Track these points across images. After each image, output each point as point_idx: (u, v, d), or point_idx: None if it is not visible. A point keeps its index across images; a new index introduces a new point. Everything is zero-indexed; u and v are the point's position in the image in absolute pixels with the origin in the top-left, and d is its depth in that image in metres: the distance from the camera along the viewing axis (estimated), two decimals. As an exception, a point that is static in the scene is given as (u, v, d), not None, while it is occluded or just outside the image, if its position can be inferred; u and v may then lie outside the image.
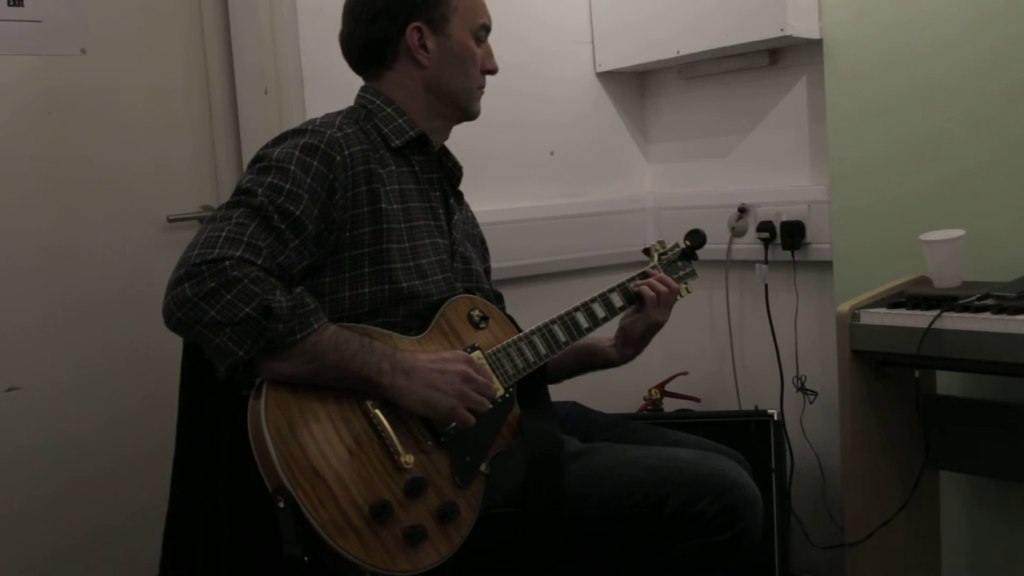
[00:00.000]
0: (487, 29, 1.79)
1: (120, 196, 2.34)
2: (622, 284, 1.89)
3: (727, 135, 2.81)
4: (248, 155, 2.43)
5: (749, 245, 2.68)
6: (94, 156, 2.31)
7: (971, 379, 2.23)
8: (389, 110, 1.73)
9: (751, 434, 2.33)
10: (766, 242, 2.64)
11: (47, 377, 2.25)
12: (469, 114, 1.82)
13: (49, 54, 2.25)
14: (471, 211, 1.94)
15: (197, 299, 1.40)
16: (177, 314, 1.42)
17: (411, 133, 1.72)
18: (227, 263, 1.42)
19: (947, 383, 2.25)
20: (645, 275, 1.92)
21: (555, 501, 1.59)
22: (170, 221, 2.40)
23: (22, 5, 2.20)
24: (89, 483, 2.29)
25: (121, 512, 2.31)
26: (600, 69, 2.91)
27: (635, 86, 3.01)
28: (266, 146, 1.62)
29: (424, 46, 1.72)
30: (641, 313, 1.88)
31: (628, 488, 1.59)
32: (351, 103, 1.79)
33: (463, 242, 1.82)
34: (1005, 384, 2.16)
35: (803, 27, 2.44)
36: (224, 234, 1.45)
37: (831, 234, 2.50)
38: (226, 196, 2.41)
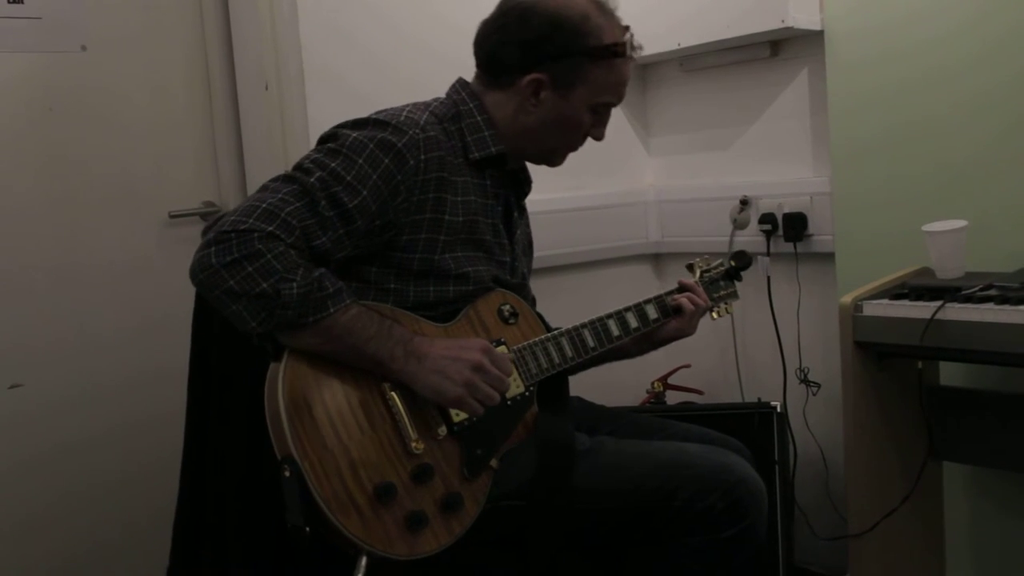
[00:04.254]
0: (612, 106, 1.75)
1: (121, 192, 2.34)
2: (659, 297, 1.89)
3: (728, 127, 2.81)
4: (249, 150, 2.45)
5: (751, 237, 2.68)
6: (95, 152, 2.31)
7: (974, 370, 2.23)
8: (479, 119, 1.69)
9: (754, 426, 2.33)
10: (768, 234, 2.64)
11: (51, 377, 2.25)
12: (549, 164, 1.81)
13: (49, 51, 2.25)
14: (527, 216, 1.93)
15: (219, 266, 1.41)
16: (200, 275, 1.43)
17: (492, 150, 1.68)
18: (255, 235, 1.42)
19: (950, 374, 2.25)
20: (682, 288, 1.92)
21: (563, 496, 1.59)
22: (172, 217, 2.40)
23: (22, 2, 2.20)
24: (93, 492, 2.30)
25: (127, 522, 2.31)
26: (601, 62, 2.90)
27: (636, 79, 3.00)
28: (344, 125, 1.59)
29: (537, 95, 1.68)
30: (674, 323, 1.89)
31: (637, 483, 1.60)
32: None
33: (521, 258, 1.82)
34: (1008, 374, 2.16)
35: (804, 18, 2.44)
36: (264, 206, 1.45)
37: (833, 226, 2.49)
38: (228, 192, 2.46)
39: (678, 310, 1.89)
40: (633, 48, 1.73)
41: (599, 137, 1.78)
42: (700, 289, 1.94)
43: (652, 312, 1.87)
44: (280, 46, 2.34)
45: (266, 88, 2.35)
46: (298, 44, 2.35)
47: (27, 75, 2.22)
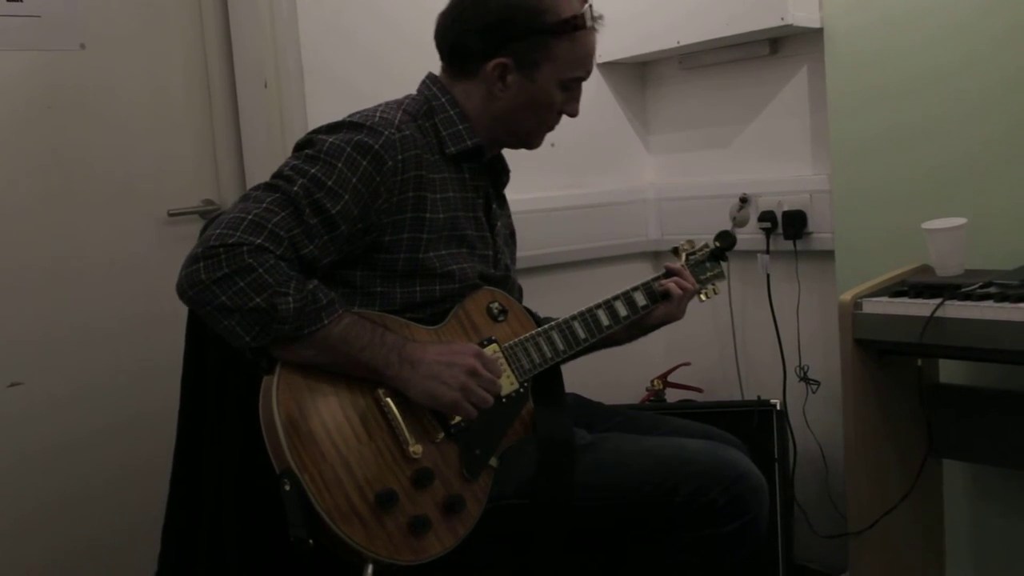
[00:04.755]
0: (581, 80, 1.74)
1: (120, 190, 2.34)
2: (646, 283, 1.89)
3: (728, 125, 2.81)
4: (248, 148, 2.44)
5: (751, 235, 2.68)
6: (94, 151, 2.31)
7: (974, 367, 2.23)
8: (452, 113, 1.69)
9: (754, 424, 2.33)
10: (768, 232, 2.64)
11: (50, 376, 2.25)
12: (528, 147, 1.80)
13: (48, 49, 2.24)
14: (508, 206, 1.92)
15: (210, 282, 1.41)
16: (189, 292, 1.43)
17: (468, 143, 1.68)
18: (244, 248, 1.42)
19: (950, 371, 2.25)
20: (669, 272, 1.92)
21: (566, 493, 1.59)
22: (170, 215, 2.40)
23: (21, 0, 2.20)
24: (93, 489, 2.29)
25: (126, 519, 2.30)
26: (600, 60, 2.89)
27: (636, 77, 3.00)
28: (319, 130, 1.59)
29: (503, 79, 1.68)
30: (663, 308, 1.89)
31: (639, 478, 1.60)
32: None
33: (503, 249, 1.82)
34: (1008, 372, 2.16)
35: (804, 16, 2.44)
36: (251, 217, 1.45)
37: (833, 223, 2.49)
38: (227, 190, 2.45)
39: (666, 295, 1.89)
40: (594, 19, 1.71)
41: (573, 113, 1.77)
42: (687, 272, 1.94)
43: (640, 299, 1.87)
44: (279, 44, 2.34)
45: (265, 86, 2.35)
46: (297, 42, 2.35)
47: (26, 73, 2.22)
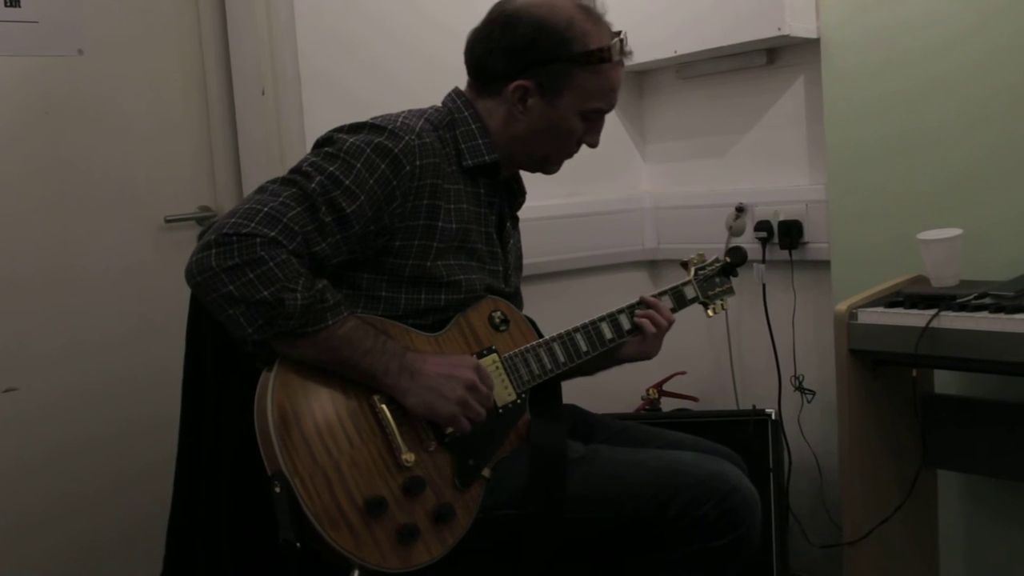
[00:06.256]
0: (602, 112, 1.73)
1: (117, 197, 2.34)
2: (631, 307, 1.86)
3: (725, 135, 2.81)
4: (245, 156, 2.44)
5: (747, 244, 2.66)
6: (91, 157, 2.31)
7: (968, 378, 2.23)
8: (473, 127, 1.69)
9: (749, 434, 2.33)
10: (764, 242, 2.64)
11: (46, 381, 2.24)
12: (544, 172, 1.80)
13: (46, 55, 2.25)
14: (519, 229, 1.91)
15: (219, 270, 1.40)
16: (197, 278, 1.43)
17: (486, 158, 1.68)
18: (257, 240, 1.42)
19: (944, 382, 2.25)
20: (643, 303, 1.87)
21: (557, 504, 1.59)
22: (167, 222, 2.40)
23: (19, 6, 2.20)
24: (88, 496, 2.29)
25: (121, 526, 2.31)
26: (597, 69, 2.90)
27: (632, 86, 3.01)
28: (339, 129, 1.59)
29: (524, 102, 1.67)
30: (636, 343, 1.85)
31: (632, 491, 1.60)
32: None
33: (514, 267, 1.82)
34: (1002, 383, 2.16)
35: (800, 26, 2.44)
36: (266, 209, 1.45)
37: (829, 233, 2.50)
38: (224, 197, 2.45)
39: (638, 330, 1.84)
40: (623, 53, 1.70)
41: (593, 144, 1.76)
42: (662, 306, 1.87)
43: (626, 323, 1.83)
44: (277, 51, 2.34)
45: (263, 93, 2.35)
46: (295, 49, 2.35)
47: (24, 79, 2.22)
